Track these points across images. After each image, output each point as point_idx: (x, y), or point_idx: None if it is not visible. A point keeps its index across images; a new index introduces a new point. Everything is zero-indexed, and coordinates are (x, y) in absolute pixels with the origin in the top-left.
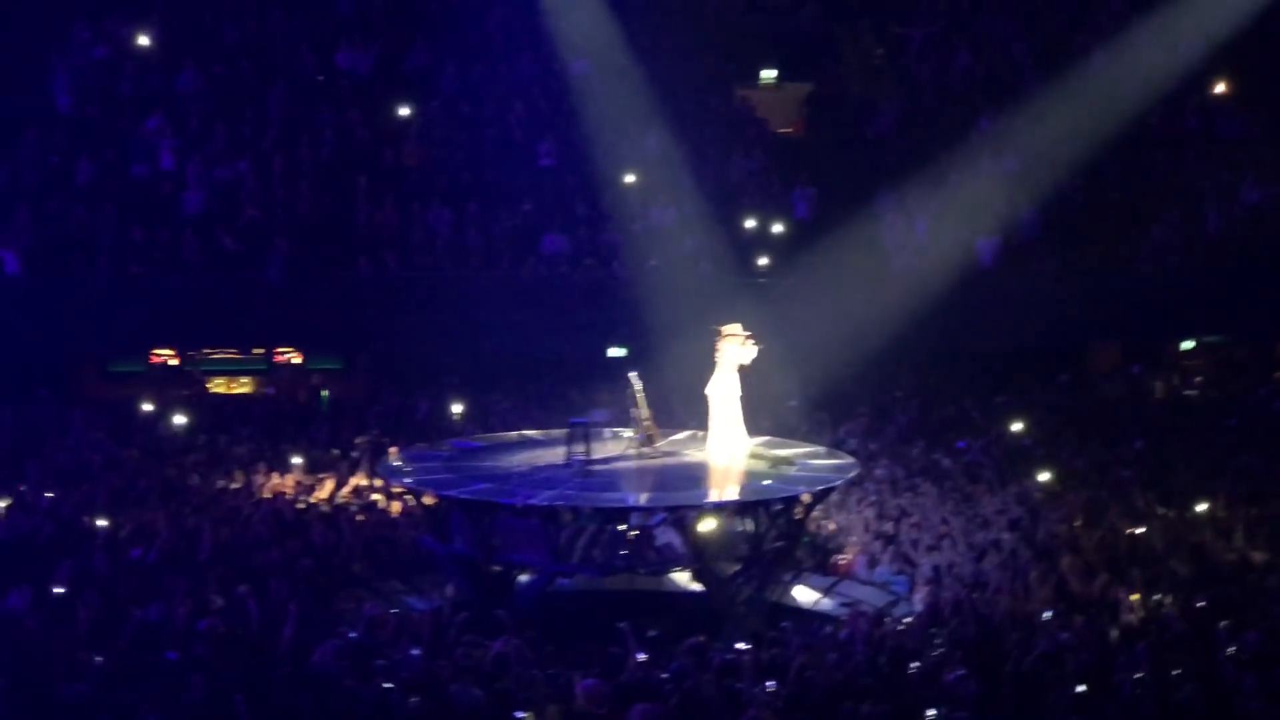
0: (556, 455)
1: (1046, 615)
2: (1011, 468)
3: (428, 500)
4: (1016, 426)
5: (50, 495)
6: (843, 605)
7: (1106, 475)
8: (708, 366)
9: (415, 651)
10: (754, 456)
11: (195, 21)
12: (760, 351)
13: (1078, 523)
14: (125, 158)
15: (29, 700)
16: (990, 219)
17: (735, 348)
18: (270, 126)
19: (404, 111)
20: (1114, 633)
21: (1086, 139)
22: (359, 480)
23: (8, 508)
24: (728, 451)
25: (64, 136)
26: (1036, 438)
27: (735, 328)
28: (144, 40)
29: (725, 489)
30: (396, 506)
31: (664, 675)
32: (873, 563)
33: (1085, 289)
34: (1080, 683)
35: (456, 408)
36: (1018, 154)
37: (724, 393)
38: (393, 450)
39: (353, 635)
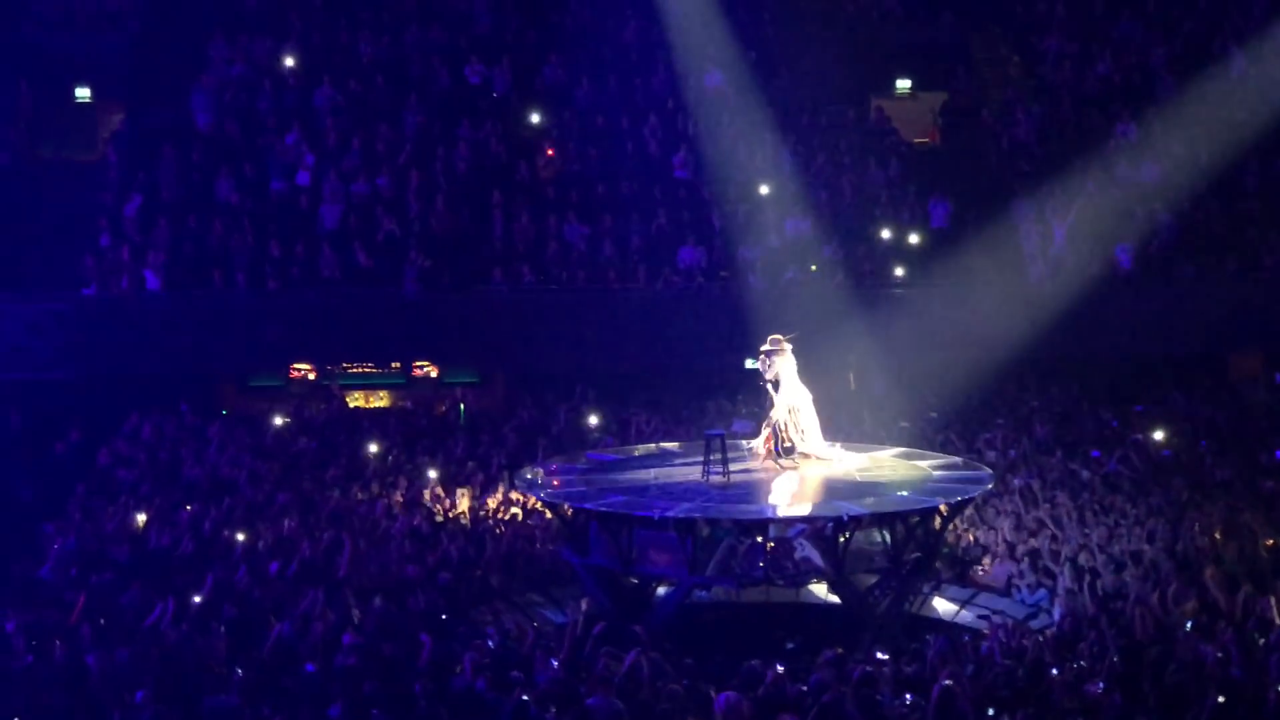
0: (693, 467)
1: (1188, 626)
2: (1151, 478)
3: (565, 513)
4: (1156, 436)
5: (190, 509)
6: (981, 617)
7: (1248, 485)
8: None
9: (554, 663)
10: (890, 468)
11: (332, 39)
12: (900, 363)
13: (1219, 533)
14: (263, 174)
15: (176, 712)
16: (1128, 226)
17: (782, 359)
18: (406, 142)
19: (539, 126)
20: (1258, 644)
21: (1225, 145)
22: (497, 493)
23: (148, 521)
24: (825, 461)
25: (203, 154)
26: (1177, 447)
27: (776, 338)
28: (281, 58)
29: (863, 501)
30: (533, 520)
31: (803, 688)
32: (1012, 574)
33: (1225, 296)
34: (1222, 694)
35: (593, 420)
36: (1155, 161)
37: (795, 404)
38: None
39: (490, 646)
